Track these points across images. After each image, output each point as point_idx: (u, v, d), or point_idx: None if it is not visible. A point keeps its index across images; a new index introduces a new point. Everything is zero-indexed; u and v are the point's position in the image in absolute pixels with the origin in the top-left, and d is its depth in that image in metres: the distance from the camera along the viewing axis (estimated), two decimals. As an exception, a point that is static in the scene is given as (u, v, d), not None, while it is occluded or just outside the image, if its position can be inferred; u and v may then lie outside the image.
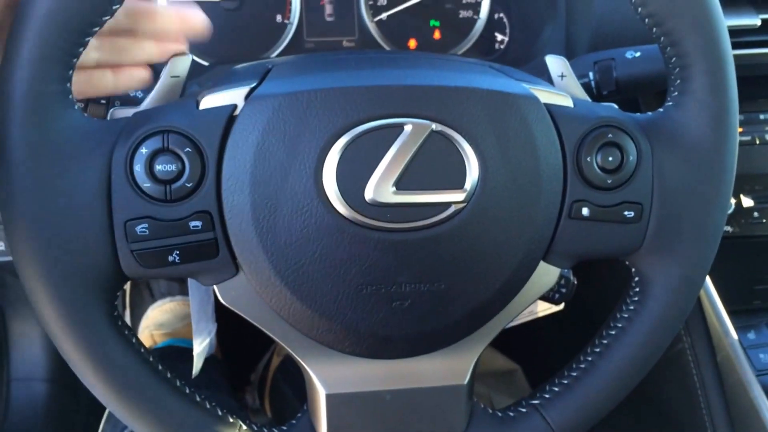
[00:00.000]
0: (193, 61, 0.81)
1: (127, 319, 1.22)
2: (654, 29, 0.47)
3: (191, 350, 0.69)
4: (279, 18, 0.83)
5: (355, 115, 0.43)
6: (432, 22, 0.86)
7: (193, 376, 0.64)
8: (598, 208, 0.48)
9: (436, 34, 0.86)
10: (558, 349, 1.08)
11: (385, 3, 0.84)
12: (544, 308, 0.84)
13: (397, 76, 0.45)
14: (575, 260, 0.50)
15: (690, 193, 0.48)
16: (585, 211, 0.47)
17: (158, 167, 0.43)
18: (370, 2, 0.84)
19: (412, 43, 0.86)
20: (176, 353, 1.04)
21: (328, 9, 0.84)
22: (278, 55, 0.83)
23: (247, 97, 0.44)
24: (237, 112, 0.44)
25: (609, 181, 0.47)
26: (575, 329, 1.02)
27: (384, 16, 0.84)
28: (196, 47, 0.81)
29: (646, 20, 0.47)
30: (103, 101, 0.57)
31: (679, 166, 0.48)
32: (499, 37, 0.88)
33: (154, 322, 1.14)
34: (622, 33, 0.74)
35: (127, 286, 1.20)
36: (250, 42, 0.82)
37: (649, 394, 0.84)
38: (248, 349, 1.17)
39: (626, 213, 0.48)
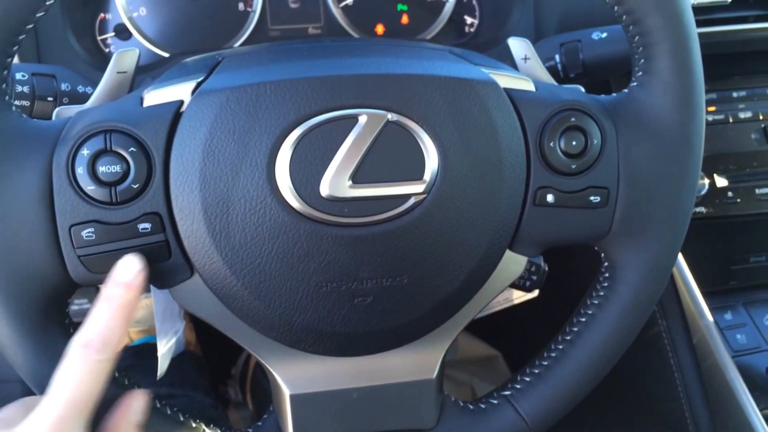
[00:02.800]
0: (152, 53, 0.79)
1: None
2: (616, 8, 0.46)
3: None
4: (241, 6, 0.80)
5: (307, 107, 0.41)
6: (399, 6, 0.84)
7: (158, 377, 0.63)
8: (563, 194, 0.46)
9: (404, 19, 0.84)
10: (538, 335, 1.07)
11: (350, -13, 0.82)
12: (519, 295, 0.83)
13: (351, 65, 0.44)
14: (542, 248, 0.49)
15: (657, 175, 0.47)
16: (550, 197, 0.46)
17: (101, 169, 0.41)
18: (336, -13, 0.82)
19: (380, 29, 0.84)
20: (152, 350, 1.01)
21: (292, -5, 0.82)
22: (242, 45, 0.81)
23: (194, 91, 0.42)
24: (184, 108, 0.42)
25: (573, 166, 0.46)
26: (555, 314, 1.01)
27: (350, 1, 0.82)
28: (155, 38, 0.79)
29: None
30: (50, 98, 0.54)
31: (644, 148, 0.47)
32: (469, 20, 0.86)
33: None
34: (591, 14, 0.72)
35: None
36: (211, 32, 0.80)
37: (625, 378, 0.84)
38: (229, 342, 1.16)
39: (592, 198, 0.47)
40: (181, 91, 0.43)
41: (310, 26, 0.82)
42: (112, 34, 0.79)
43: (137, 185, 0.41)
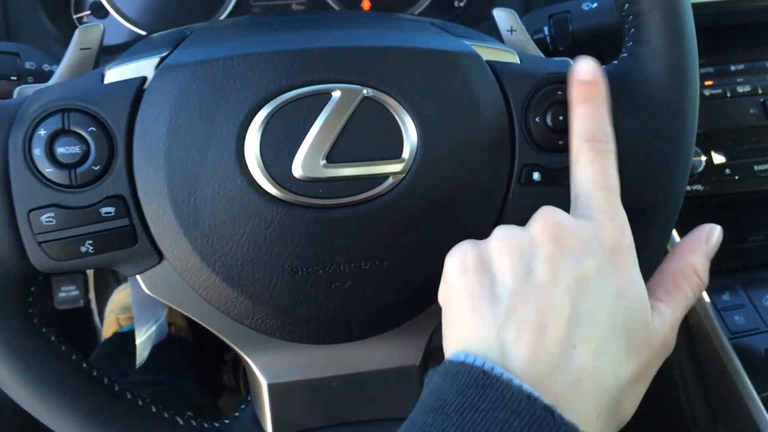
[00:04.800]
0: (130, 31, 0.77)
1: (93, 304, 1.19)
2: None
3: None
4: (222, -18, 0.78)
5: (277, 82, 0.39)
6: (386, -20, 0.81)
7: (137, 365, 0.61)
8: (551, 172, 0.44)
9: (391, -7, 0.82)
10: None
11: (336, -39, 0.79)
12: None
13: (324, 38, 0.41)
14: None
15: (648, 150, 0.45)
16: (536, 175, 0.44)
17: (60, 150, 0.39)
18: (320, -39, 0.79)
19: (366, 4, 0.81)
20: (141, 338, 1.00)
21: (275, -30, 0.79)
22: (223, 22, 0.78)
23: (157, 67, 0.40)
24: (147, 84, 0.40)
25: (560, 143, 0.44)
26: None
27: (335, -25, 0.79)
28: (132, 16, 0.76)
29: None
30: (13, 78, 0.52)
31: (635, 122, 0.45)
32: (459, -6, 0.83)
33: (119, 306, 1.12)
34: (583, -16, 0.69)
35: (90, 271, 1.16)
36: (190, 8, 0.77)
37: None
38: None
39: None
40: (144, 66, 0.40)
41: (293, 2, 0.80)
42: (88, 12, 0.76)
43: (98, 167, 0.39)
